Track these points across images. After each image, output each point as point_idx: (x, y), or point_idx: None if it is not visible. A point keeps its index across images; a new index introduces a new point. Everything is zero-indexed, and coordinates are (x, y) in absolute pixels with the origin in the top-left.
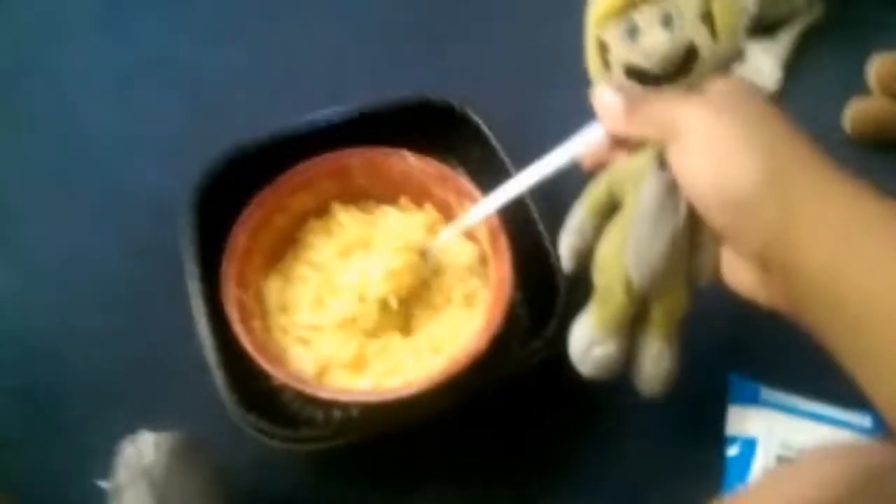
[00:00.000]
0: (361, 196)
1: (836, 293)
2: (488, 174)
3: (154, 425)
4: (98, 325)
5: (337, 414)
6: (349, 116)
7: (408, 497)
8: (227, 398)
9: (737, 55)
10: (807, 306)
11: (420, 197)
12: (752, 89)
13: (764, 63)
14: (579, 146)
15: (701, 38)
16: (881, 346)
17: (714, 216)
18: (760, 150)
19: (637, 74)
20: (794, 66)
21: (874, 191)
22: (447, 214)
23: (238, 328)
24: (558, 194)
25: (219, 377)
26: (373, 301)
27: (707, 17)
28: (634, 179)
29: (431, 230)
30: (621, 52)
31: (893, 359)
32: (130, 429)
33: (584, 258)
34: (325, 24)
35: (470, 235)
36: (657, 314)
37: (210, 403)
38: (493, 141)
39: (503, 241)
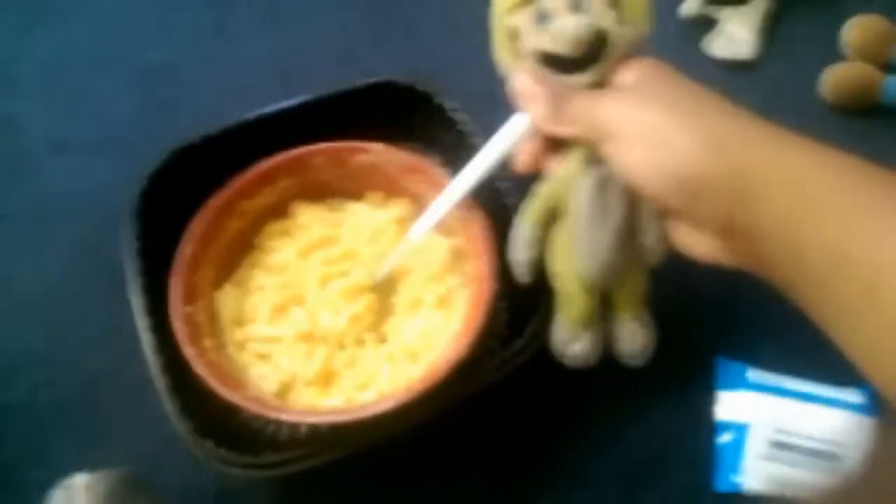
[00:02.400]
0: (326, 193)
1: (797, 248)
2: (464, 162)
3: (100, 460)
4: (35, 350)
5: (304, 429)
6: (307, 107)
7: None
8: (178, 425)
9: (645, 36)
10: (772, 264)
11: (390, 190)
12: (665, 68)
13: (738, 30)
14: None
15: (609, 21)
16: (843, 294)
17: (670, 201)
18: (694, 126)
19: (549, 61)
20: (768, 34)
21: (819, 142)
22: (421, 208)
23: (187, 349)
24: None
25: (168, 403)
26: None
27: (614, 2)
28: (569, 184)
29: (403, 225)
30: (532, 39)
31: (857, 307)
32: (75, 464)
33: (540, 268)
34: (281, 11)
35: (446, 230)
36: (620, 300)
37: (162, 431)
38: (466, 126)
39: (481, 235)
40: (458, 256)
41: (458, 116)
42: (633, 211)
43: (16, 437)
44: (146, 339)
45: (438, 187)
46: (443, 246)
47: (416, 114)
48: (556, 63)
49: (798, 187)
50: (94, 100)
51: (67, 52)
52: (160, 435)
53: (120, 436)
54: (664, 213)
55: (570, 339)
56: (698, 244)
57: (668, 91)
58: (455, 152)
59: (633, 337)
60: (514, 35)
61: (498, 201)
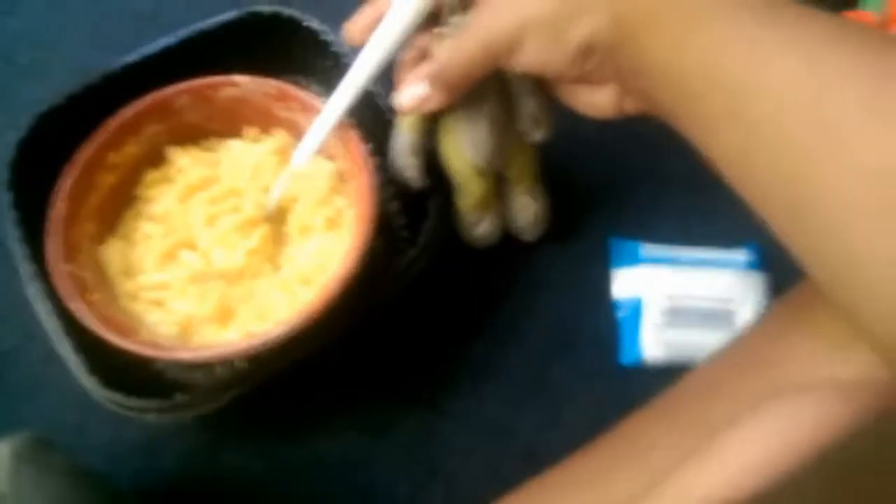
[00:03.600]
0: (200, 135)
1: (679, 74)
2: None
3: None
4: None
5: (219, 371)
6: (173, 49)
7: (315, 437)
8: (86, 382)
9: None
10: (660, 97)
11: (266, 123)
12: None
13: None
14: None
15: None
16: (711, 108)
17: (568, 72)
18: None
19: None
20: None
21: None
22: (298, 136)
23: (73, 305)
24: None
25: (73, 361)
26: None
27: None
28: None
29: (283, 155)
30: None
31: (729, 126)
32: None
33: (431, 171)
34: None
35: (329, 153)
36: (512, 176)
37: (79, 396)
38: (337, 47)
39: (361, 153)
40: (342, 178)
41: (330, 38)
42: (506, 92)
43: None
44: (41, 306)
45: (313, 112)
46: (326, 169)
47: (288, 44)
48: None
49: (676, 19)
50: None
51: None
52: (78, 404)
53: (37, 409)
54: (544, 85)
55: (475, 223)
56: (601, 102)
57: None
58: (332, 76)
59: (526, 209)
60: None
61: (375, 110)
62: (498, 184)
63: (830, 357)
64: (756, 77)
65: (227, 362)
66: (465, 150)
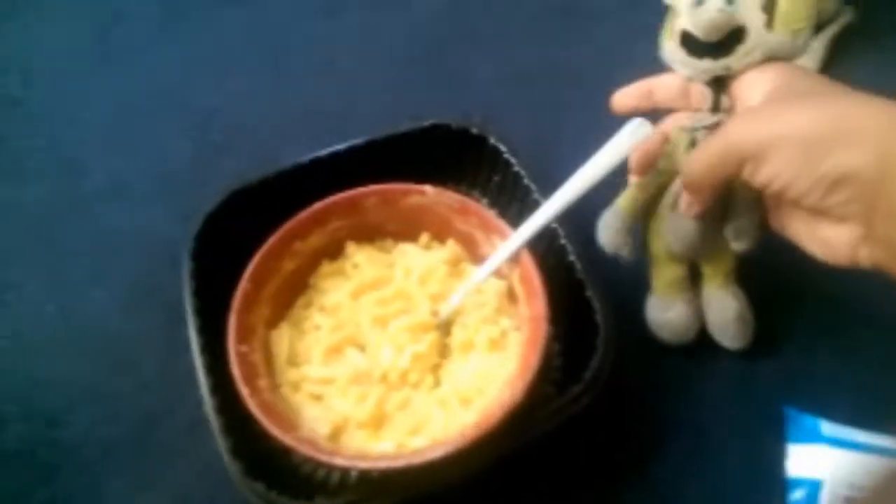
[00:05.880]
0: (377, 234)
1: None
2: (512, 203)
3: (150, 501)
4: (95, 386)
5: (355, 475)
6: (359, 149)
7: None
8: (230, 466)
9: (791, 49)
10: None
11: (441, 232)
12: (792, 67)
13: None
14: (618, 153)
15: (754, 20)
16: None
17: (811, 198)
18: (833, 118)
19: (687, 42)
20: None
21: None
22: (471, 249)
23: (242, 388)
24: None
25: (221, 442)
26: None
27: (769, 6)
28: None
29: (454, 266)
30: (682, 19)
31: None
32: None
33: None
34: (336, 58)
35: (497, 271)
36: (708, 271)
37: (215, 474)
38: (517, 166)
39: (536, 277)
40: (510, 298)
41: (512, 159)
42: (727, 198)
43: (67, 473)
44: (202, 379)
45: (490, 228)
46: (495, 287)
47: (467, 157)
48: (692, 45)
49: None
50: (152, 143)
51: (129, 95)
52: (213, 477)
53: (172, 477)
54: (763, 204)
55: (664, 308)
56: (837, 240)
57: (800, 87)
58: (506, 195)
59: (723, 306)
60: (674, 13)
61: (552, 243)
62: (694, 280)
63: None
64: None
65: (376, 473)
66: (666, 234)
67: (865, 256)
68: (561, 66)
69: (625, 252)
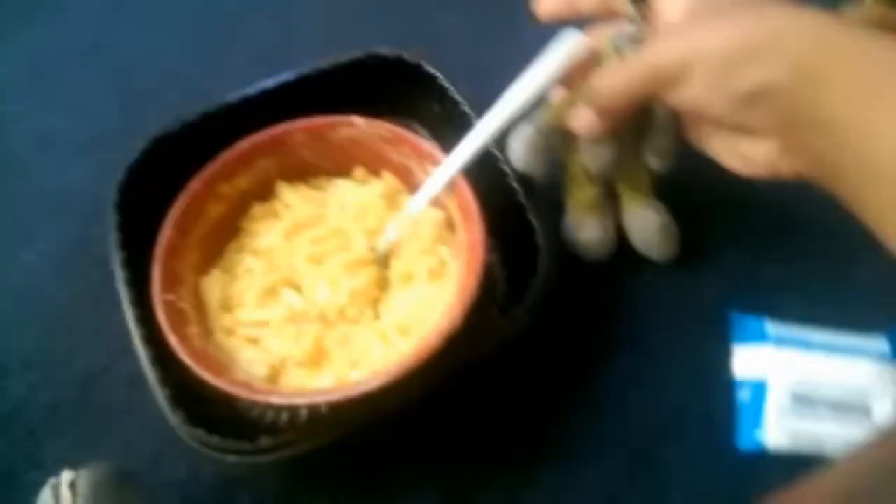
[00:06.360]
0: (309, 172)
1: (861, 143)
2: (452, 131)
3: (96, 459)
4: (31, 350)
5: (304, 413)
6: (290, 84)
7: (395, 495)
8: (170, 416)
9: None
10: (830, 162)
11: (376, 165)
12: None
13: None
14: (543, 73)
15: None
16: None
17: (730, 117)
18: (749, 31)
19: None
20: None
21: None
22: (408, 181)
23: (170, 336)
24: None
25: (159, 394)
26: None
27: None
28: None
29: (392, 199)
30: None
31: None
32: (70, 465)
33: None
34: None
35: (435, 200)
36: (624, 190)
37: (160, 428)
38: (455, 94)
39: (472, 203)
40: (448, 227)
41: (448, 86)
42: (644, 117)
43: (9, 438)
44: (134, 331)
45: (425, 158)
46: (433, 217)
47: (404, 87)
48: None
49: (863, 76)
50: (77, 96)
51: (49, 50)
52: (158, 430)
53: (117, 433)
54: (686, 129)
55: (577, 226)
56: (756, 155)
57: (714, 5)
58: (443, 123)
59: (646, 222)
60: None
61: (491, 168)
62: (612, 198)
63: None
64: None
65: (316, 408)
66: (582, 153)
67: (787, 168)
68: None
69: (539, 171)
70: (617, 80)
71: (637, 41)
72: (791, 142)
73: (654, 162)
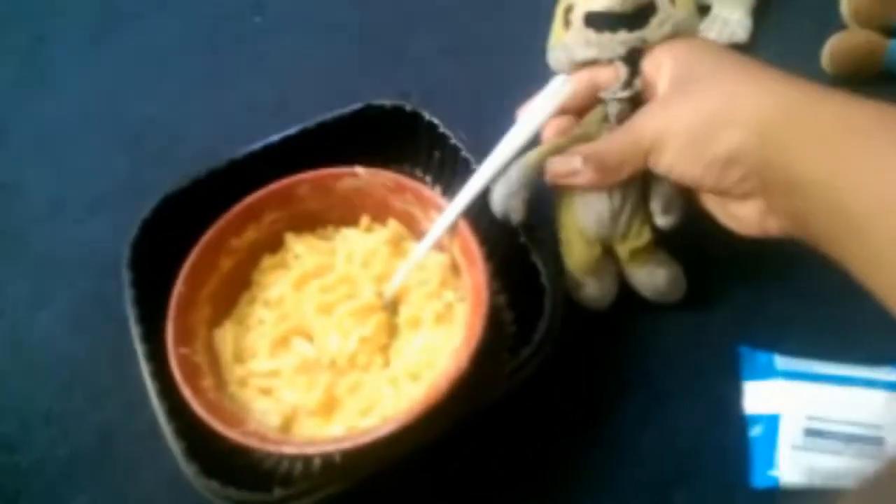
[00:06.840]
0: (318, 223)
1: (836, 201)
2: (455, 178)
3: None
4: (49, 407)
5: (317, 462)
6: (293, 139)
7: None
8: (185, 468)
9: (691, 24)
10: (811, 221)
11: (381, 213)
12: (693, 47)
13: (731, 13)
14: (537, 117)
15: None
16: (887, 249)
17: (709, 183)
18: (717, 101)
19: (596, 21)
20: (762, 14)
21: (856, 95)
22: (412, 226)
23: (184, 389)
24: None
25: (174, 446)
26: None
27: None
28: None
29: (397, 245)
30: (583, 5)
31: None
32: None
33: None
34: (269, 52)
35: (438, 244)
36: (623, 252)
37: (176, 480)
38: (454, 139)
39: (474, 246)
40: (453, 271)
41: (448, 133)
42: (642, 179)
43: (31, 497)
44: (150, 385)
45: (428, 204)
46: (438, 261)
47: (406, 136)
48: (603, 23)
49: (836, 141)
50: (87, 158)
51: (59, 113)
52: (177, 483)
53: (136, 486)
54: (687, 189)
55: (576, 286)
56: (744, 216)
57: (697, 72)
58: (444, 169)
59: (651, 278)
60: (570, 9)
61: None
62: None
63: None
64: None
65: (329, 457)
66: (578, 213)
67: (774, 227)
68: (494, 39)
69: (516, 214)
70: (611, 150)
71: (627, 106)
72: (772, 203)
73: (663, 219)
